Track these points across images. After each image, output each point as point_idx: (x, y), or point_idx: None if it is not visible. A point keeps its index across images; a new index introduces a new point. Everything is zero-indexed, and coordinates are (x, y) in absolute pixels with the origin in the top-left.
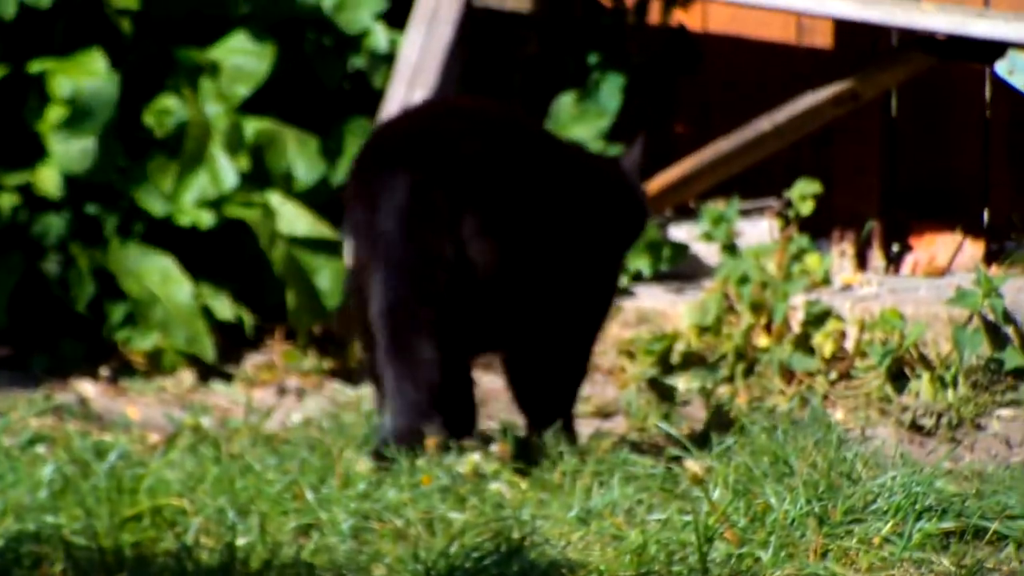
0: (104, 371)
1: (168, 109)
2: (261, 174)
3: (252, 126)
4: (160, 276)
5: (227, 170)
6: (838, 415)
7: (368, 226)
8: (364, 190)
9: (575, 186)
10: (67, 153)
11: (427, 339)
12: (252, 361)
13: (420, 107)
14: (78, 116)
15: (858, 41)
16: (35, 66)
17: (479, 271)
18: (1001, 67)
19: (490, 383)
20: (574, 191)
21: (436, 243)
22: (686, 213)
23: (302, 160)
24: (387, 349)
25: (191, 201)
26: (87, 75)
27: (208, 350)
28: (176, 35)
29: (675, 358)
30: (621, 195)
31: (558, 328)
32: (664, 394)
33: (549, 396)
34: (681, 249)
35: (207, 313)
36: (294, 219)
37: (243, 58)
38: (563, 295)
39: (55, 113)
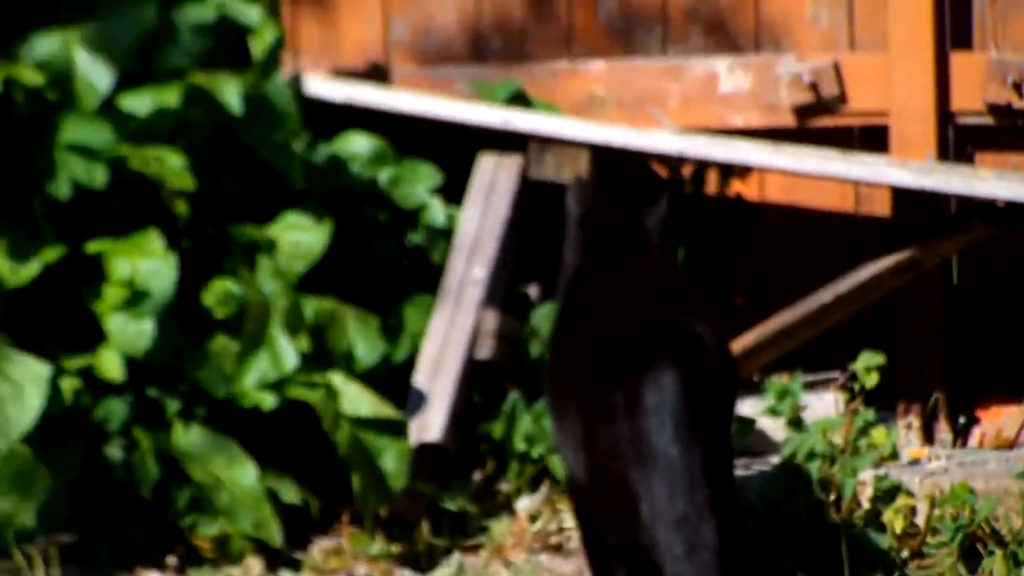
0: (171, 559)
1: (227, 291)
2: (322, 354)
3: (311, 305)
4: (224, 460)
5: (288, 351)
6: None
7: (627, 427)
8: (618, 385)
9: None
10: (126, 335)
11: (714, 554)
12: (320, 546)
13: (644, 286)
14: (136, 297)
15: (917, 209)
16: (92, 247)
17: None
18: None
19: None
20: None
21: (702, 445)
22: (750, 387)
23: (363, 339)
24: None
25: (253, 383)
26: (144, 256)
27: (275, 535)
28: (232, 212)
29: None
30: None
31: None
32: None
33: None
34: (747, 424)
35: (272, 497)
36: (357, 400)
37: (300, 234)
38: None
39: (113, 294)
